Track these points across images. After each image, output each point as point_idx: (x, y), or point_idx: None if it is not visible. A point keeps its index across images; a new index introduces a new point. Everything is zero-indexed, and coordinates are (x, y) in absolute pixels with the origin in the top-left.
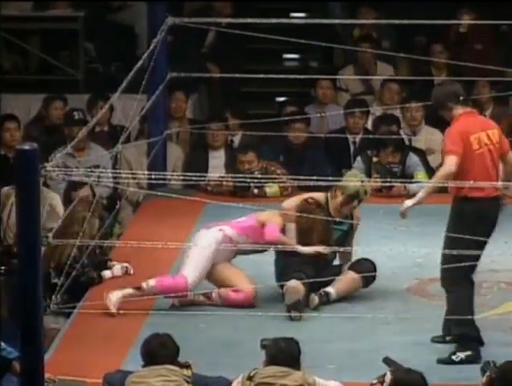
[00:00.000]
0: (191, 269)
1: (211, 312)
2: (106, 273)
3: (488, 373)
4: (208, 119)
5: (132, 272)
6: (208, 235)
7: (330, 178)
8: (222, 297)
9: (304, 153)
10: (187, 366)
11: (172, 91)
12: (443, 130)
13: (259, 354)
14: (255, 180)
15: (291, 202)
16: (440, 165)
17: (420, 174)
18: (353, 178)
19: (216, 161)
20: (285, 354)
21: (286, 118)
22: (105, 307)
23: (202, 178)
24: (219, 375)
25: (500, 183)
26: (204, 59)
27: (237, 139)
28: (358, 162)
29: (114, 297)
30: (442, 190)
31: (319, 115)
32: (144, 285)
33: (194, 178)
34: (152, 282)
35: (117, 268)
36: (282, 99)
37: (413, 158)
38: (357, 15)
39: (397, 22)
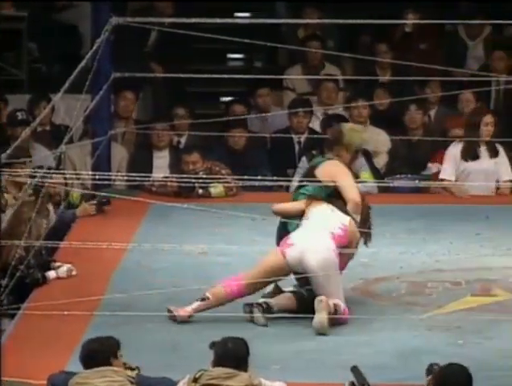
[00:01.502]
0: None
1: (158, 313)
2: (51, 274)
3: (431, 376)
4: (152, 119)
5: (75, 273)
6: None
7: (275, 178)
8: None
9: (246, 155)
10: (133, 368)
11: (120, 90)
12: (388, 131)
13: (207, 355)
14: (200, 180)
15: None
16: (386, 165)
17: (365, 174)
18: (354, 132)
19: (161, 161)
20: (232, 354)
21: (228, 119)
22: (49, 308)
23: (146, 179)
24: (163, 376)
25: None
26: (147, 58)
27: (183, 139)
28: (303, 162)
29: (186, 313)
30: (385, 190)
31: (265, 114)
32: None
33: (138, 179)
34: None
35: (62, 270)
36: (227, 99)
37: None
38: (302, 15)
39: (341, 21)
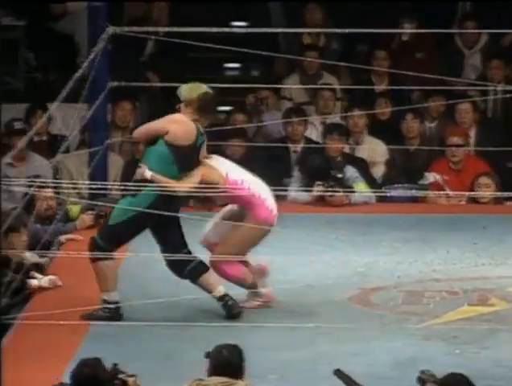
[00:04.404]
0: None
1: (153, 323)
2: (33, 282)
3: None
4: None
5: (60, 284)
6: None
7: (272, 187)
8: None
9: (243, 165)
10: (130, 375)
11: (118, 100)
12: (386, 142)
13: (203, 364)
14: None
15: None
16: (384, 175)
17: (360, 185)
18: (194, 87)
19: None
20: (228, 363)
21: (226, 128)
22: (45, 318)
23: (143, 189)
24: None
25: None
26: (144, 68)
27: None
28: (297, 171)
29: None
30: (382, 199)
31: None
32: None
33: (135, 189)
34: None
35: (45, 280)
36: (223, 108)
37: (350, 170)
38: (304, 21)
39: (339, 31)
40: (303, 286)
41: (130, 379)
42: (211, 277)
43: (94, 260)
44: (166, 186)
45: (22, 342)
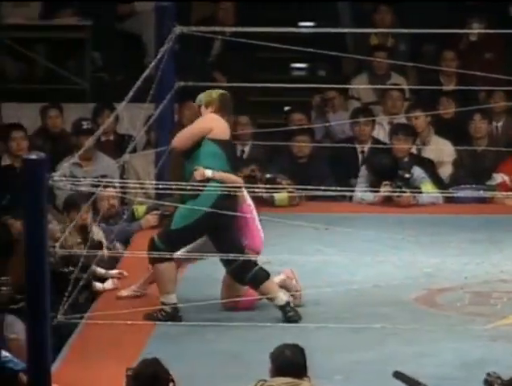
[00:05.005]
0: None
1: (218, 323)
2: (97, 285)
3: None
4: None
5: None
6: None
7: (338, 188)
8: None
9: (309, 165)
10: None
11: (185, 100)
12: (453, 142)
13: (267, 364)
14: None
15: None
16: (451, 175)
17: (427, 185)
18: (212, 91)
19: None
20: (291, 363)
21: (292, 128)
22: (112, 318)
23: (209, 188)
24: None
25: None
26: (210, 68)
27: (247, 149)
28: (363, 171)
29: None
30: (449, 200)
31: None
32: None
33: (201, 188)
34: None
35: (108, 283)
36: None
37: (417, 171)
38: (373, 22)
39: (406, 31)
40: (369, 287)
41: None
42: (273, 284)
43: (154, 262)
44: (227, 184)
45: (90, 340)
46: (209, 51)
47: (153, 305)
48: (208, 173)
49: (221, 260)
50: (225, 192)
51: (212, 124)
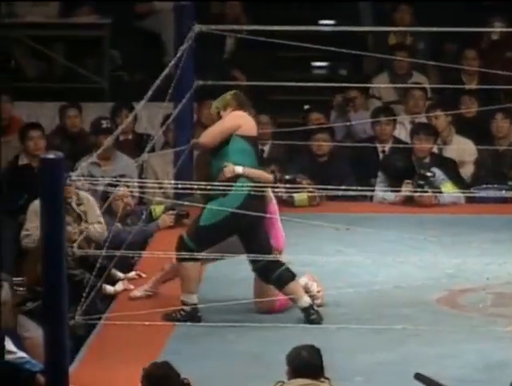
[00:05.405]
0: None
1: (239, 323)
2: (107, 288)
3: None
4: None
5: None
6: None
7: (359, 188)
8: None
9: (329, 164)
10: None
11: (204, 99)
12: (475, 141)
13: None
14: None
15: None
16: (472, 174)
17: (447, 186)
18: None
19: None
20: (308, 364)
21: (312, 127)
22: (130, 319)
23: (229, 188)
24: None
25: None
26: (228, 66)
27: (267, 148)
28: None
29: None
30: (471, 200)
31: (347, 124)
32: None
33: (220, 188)
34: None
35: (119, 285)
36: (307, 107)
37: (437, 172)
38: (392, 21)
39: (425, 29)
40: (391, 287)
41: None
42: (297, 286)
43: (180, 260)
44: (258, 180)
45: (109, 341)
46: (223, 48)
47: (169, 305)
48: (239, 169)
49: (248, 258)
50: (253, 192)
51: (240, 120)
